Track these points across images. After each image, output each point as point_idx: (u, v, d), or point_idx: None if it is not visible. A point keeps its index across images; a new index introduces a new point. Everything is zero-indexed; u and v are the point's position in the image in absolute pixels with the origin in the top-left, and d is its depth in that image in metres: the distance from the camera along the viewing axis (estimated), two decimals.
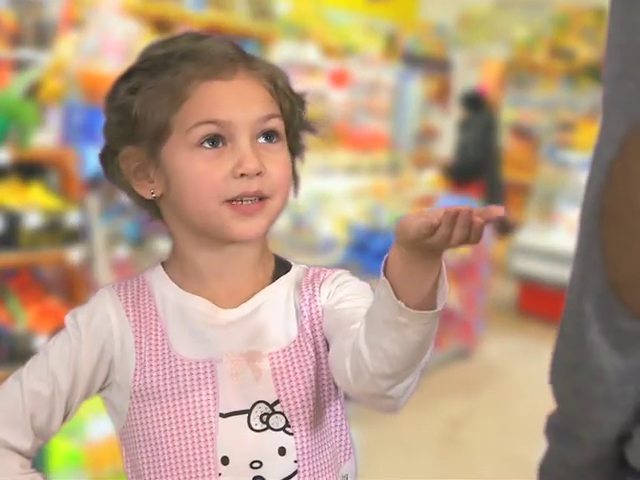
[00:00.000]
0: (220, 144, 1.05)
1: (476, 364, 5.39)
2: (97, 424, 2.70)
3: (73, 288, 3.34)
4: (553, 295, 6.16)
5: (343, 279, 1.14)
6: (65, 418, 1.09)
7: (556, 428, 1.11)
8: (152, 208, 1.13)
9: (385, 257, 0.93)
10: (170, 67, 1.06)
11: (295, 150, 1.14)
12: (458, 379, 5.08)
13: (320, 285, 1.13)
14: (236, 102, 1.06)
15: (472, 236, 0.86)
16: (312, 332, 1.10)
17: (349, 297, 1.10)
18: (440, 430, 4.23)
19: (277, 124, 1.08)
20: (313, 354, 1.09)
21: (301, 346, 1.09)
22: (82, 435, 2.80)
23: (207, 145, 1.05)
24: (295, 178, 1.14)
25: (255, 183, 1.04)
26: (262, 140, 1.07)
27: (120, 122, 1.08)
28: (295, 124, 1.12)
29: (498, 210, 0.84)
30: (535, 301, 6.34)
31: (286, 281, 1.13)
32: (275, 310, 1.11)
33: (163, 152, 1.07)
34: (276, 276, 1.13)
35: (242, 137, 1.05)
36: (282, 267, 1.15)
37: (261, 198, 1.06)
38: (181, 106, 1.05)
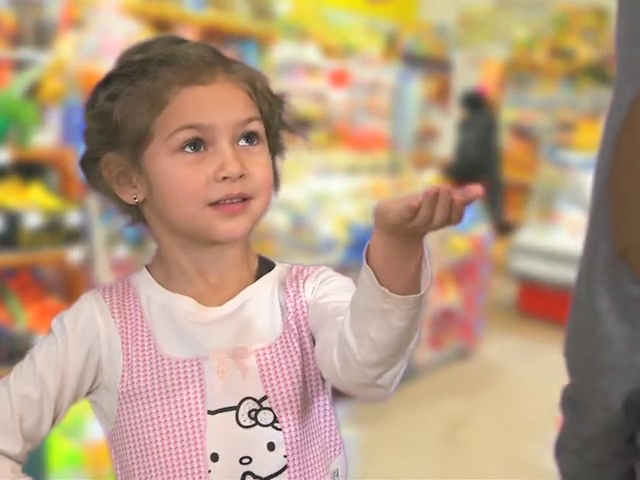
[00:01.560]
0: (201, 148, 1.06)
1: (476, 364, 5.39)
2: (97, 424, 2.70)
3: (73, 288, 3.34)
4: (553, 295, 6.17)
5: (326, 275, 1.15)
6: (54, 422, 1.09)
7: (569, 400, 1.11)
8: (135, 213, 1.13)
9: (367, 244, 0.94)
10: (149, 73, 1.07)
11: (276, 150, 1.15)
12: (458, 379, 5.08)
13: (304, 281, 1.14)
14: (216, 106, 1.06)
15: (453, 216, 0.86)
16: (297, 328, 1.11)
17: (333, 291, 1.11)
18: (440, 430, 4.23)
19: (257, 126, 1.09)
20: (299, 350, 1.10)
21: (287, 342, 1.10)
22: (82, 435, 2.79)
23: (188, 150, 1.05)
24: (276, 177, 1.15)
25: (237, 185, 1.05)
26: (243, 143, 1.08)
27: (100, 129, 1.08)
28: (275, 125, 1.13)
29: (477, 189, 0.84)
30: (535, 301, 6.35)
31: (270, 279, 1.14)
32: (260, 307, 1.11)
33: (145, 158, 1.07)
34: (260, 275, 1.14)
35: (223, 141, 1.06)
36: (266, 266, 1.16)
37: (244, 199, 1.07)
38: (161, 112, 1.06)
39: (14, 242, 3.06)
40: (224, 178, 1.05)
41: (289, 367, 1.09)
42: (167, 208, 1.07)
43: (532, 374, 5.08)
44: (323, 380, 1.12)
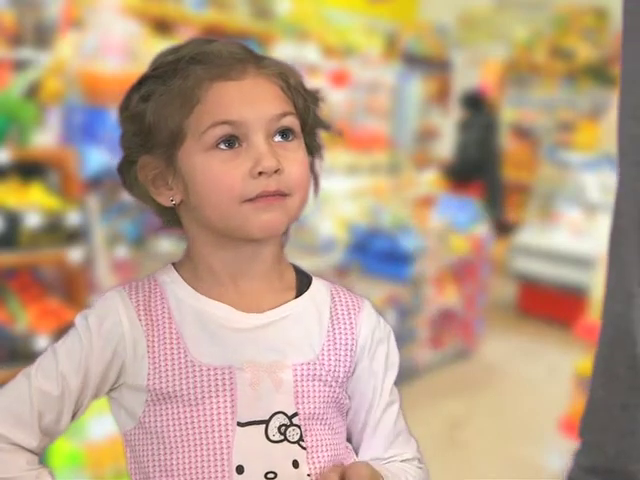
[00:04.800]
0: (236, 145, 1.04)
1: (476, 364, 5.39)
2: (97, 424, 2.70)
3: (73, 288, 3.34)
4: (553, 295, 6.17)
5: (379, 335, 1.14)
6: (73, 418, 1.08)
7: (595, 472, 1.08)
8: (171, 215, 1.12)
9: None
10: (180, 71, 1.06)
11: (312, 149, 1.13)
12: (458, 379, 5.08)
13: (356, 318, 1.13)
14: (248, 101, 1.05)
15: None
16: (338, 356, 1.10)
17: (375, 386, 1.13)
18: (440, 430, 4.22)
19: (292, 122, 1.08)
20: (335, 375, 1.10)
21: (325, 364, 1.09)
22: (82, 435, 2.79)
23: (223, 146, 1.04)
24: (315, 177, 1.13)
25: (273, 181, 1.04)
26: (278, 138, 1.06)
27: (135, 131, 1.07)
28: (310, 121, 1.11)
29: None
30: (535, 301, 6.35)
31: (312, 299, 1.13)
32: (302, 322, 1.10)
33: (179, 158, 1.06)
34: (299, 286, 1.13)
35: (257, 136, 1.04)
36: (304, 276, 1.15)
37: (281, 195, 1.05)
38: (193, 110, 1.04)
39: (14, 242, 3.06)
40: (260, 174, 1.03)
41: (324, 387, 1.08)
42: (203, 207, 1.05)
43: (532, 374, 5.08)
44: (347, 410, 1.13)
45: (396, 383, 1.16)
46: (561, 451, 3.55)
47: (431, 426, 4.22)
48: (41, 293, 3.27)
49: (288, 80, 1.09)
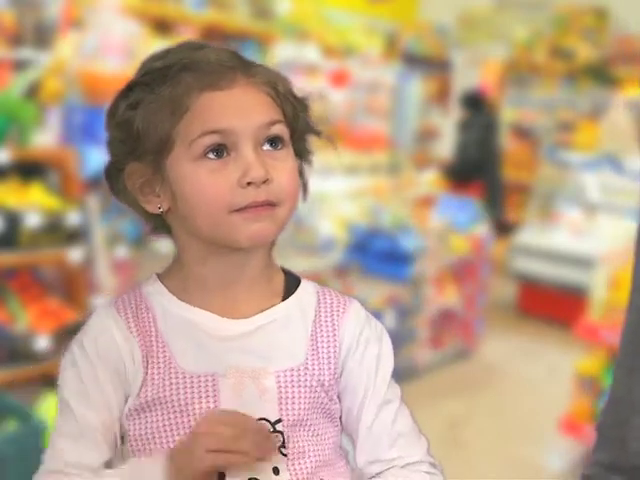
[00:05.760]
0: (224, 154, 1.04)
1: (476, 364, 5.39)
2: None
3: (73, 288, 3.34)
4: (553, 295, 6.17)
5: (367, 334, 1.13)
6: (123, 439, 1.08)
7: (616, 469, 1.08)
8: (159, 222, 1.12)
9: None
10: (169, 79, 1.05)
11: (302, 154, 1.13)
12: (458, 379, 5.08)
13: (339, 320, 1.12)
14: (237, 110, 1.04)
15: None
16: (321, 360, 1.10)
17: (367, 386, 1.12)
18: (440, 430, 4.23)
19: (281, 130, 1.07)
20: (320, 380, 1.09)
21: (309, 369, 1.09)
22: None
23: (211, 156, 1.04)
24: (303, 183, 1.13)
25: (262, 192, 1.03)
26: (267, 147, 1.06)
27: (122, 138, 1.07)
28: (299, 128, 1.11)
29: None
30: (535, 301, 6.35)
31: (299, 301, 1.12)
32: (286, 328, 1.10)
33: (167, 166, 1.06)
34: (287, 289, 1.13)
35: (246, 145, 1.04)
36: (293, 279, 1.15)
37: (269, 205, 1.05)
38: (182, 118, 1.04)
39: (14, 242, 3.07)
40: (248, 184, 1.03)
41: (308, 392, 1.08)
42: (191, 216, 1.05)
43: (532, 374, 5.08)
44: (339, 416, 1.12)
45: (396, 383, 1.15)
46: (561, 451, 3.56)
47: (431, 426, 4.20)
48: (41, 293, 3.27)
49: (277, 88, 1.09)
